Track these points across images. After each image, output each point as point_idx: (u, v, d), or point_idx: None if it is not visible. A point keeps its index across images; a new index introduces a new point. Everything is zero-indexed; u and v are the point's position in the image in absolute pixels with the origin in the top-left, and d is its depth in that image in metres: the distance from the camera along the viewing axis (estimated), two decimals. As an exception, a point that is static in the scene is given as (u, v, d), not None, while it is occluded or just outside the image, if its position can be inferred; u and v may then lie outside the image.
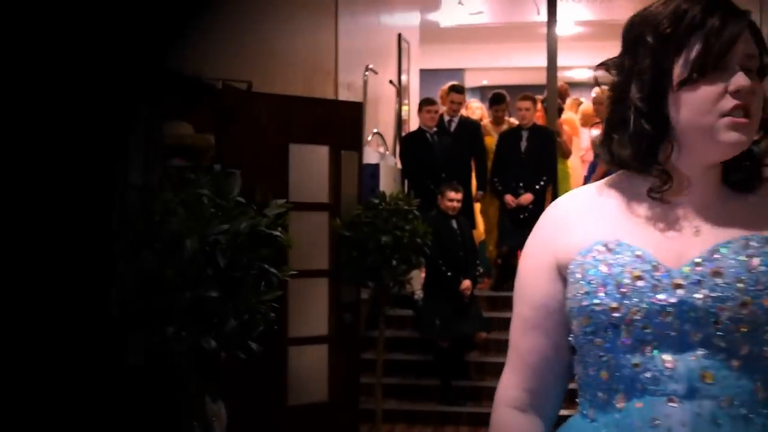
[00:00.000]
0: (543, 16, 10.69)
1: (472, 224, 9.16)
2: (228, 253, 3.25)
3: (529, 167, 9.09)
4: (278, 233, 3.43)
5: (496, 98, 10.20)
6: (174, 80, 5.38)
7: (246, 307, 3.34)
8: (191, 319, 3.26)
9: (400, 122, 10.85)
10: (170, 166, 3.88)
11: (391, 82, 10.59)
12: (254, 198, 3.57)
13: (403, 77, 11.35)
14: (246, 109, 5.89)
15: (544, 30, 10.13)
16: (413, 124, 11.39)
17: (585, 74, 16.22)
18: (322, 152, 6.31)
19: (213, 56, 5.87)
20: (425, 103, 9.33)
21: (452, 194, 8.15)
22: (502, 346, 6.86)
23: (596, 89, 9.73)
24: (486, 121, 10.42)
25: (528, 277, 1.82)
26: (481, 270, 8.78)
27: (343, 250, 6.37)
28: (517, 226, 8.92)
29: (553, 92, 9.58)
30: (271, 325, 3.46)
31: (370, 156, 8.75)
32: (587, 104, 10.52)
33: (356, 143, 6.59)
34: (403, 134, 10.53)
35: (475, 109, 10.96)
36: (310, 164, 6.28)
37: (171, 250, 3.25)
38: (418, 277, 8.21)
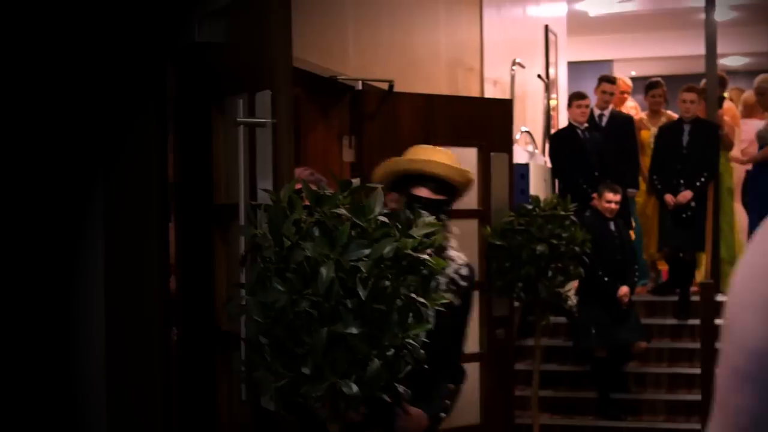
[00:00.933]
0: (697, 1, 9.96)
1: (629, 225, 8.52)
2: (370, 283, 2.75)
3: (690, 163, 8.43)
4: (426, 257, 2.92)
5: (653, 84, 9.50)
6: (312, 81, 5.05)
7: (391, 344, 2.84)
8: (328, 360, 2.78)
9: (549, 119, 10.24)
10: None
11: (539, 76, 9.99)
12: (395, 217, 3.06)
13: (551, 71, 10.76)
14: (387, 110, 5.50)
15: (696, 16, 9.47)
16: (562, 119, 10.89)
17: (739, 62, 15.32)
18: (470, 155, 5.79)
19: (352, 55, 5.51)
20: (575, 98, 8.72)
21: (610, 195, 7.61)
22: (663, 356, 6.30)
23: (759, 78, 9.03)
24: (642, 114, 9.72)
25: (741, 316, 1.22)
26: (637, 275, 8.16)
27: (495, 260, 5.86)
28: (679, 226, 8.39)
29: (713, 81, 8.83)
30: (420, 364, 2.95)
31: (519, 155, 8.23)
32: (749, 93, 9.71)
33: (506, 144, 6.04)
34: (552, 131, 9.89)
35: (630, 108, 10.21)
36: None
37: (304, 279, 2.78)
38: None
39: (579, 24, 13.11)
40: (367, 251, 2.79)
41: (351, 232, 2.82)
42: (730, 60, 14.89)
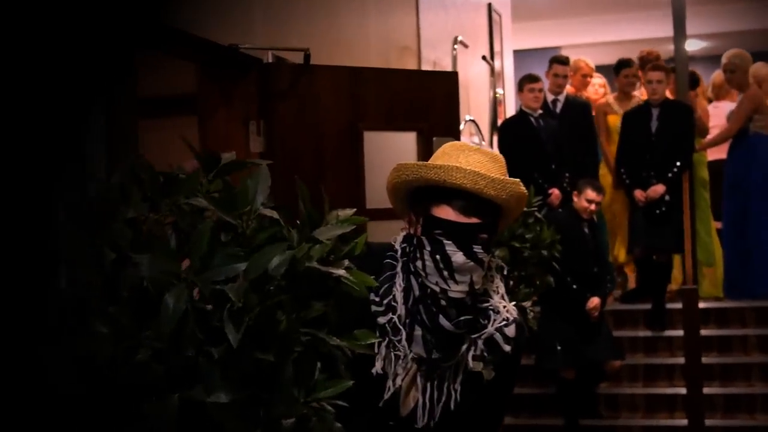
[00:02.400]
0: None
1: (600, 226, 7.63)
2: (247, 318, 1.69)
3: (660, 151, 7.55)
4: (342, 273, 1.88)
5: (624, 62, 8.65)
6: (207, 51, 4.10)
7: (286, 412, 1.78)
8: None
9: (495, 108, 9.30)
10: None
11: (484, 58, 9.07)
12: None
13: (496, 62, 9.86)
14: (303, 88, 4.55)
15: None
16: (510, 109, 10.01)
17: (697, 46, 14.56)
18: (408, 140, 4.81)
19: (259, 22, 4.62)
20: (527, 80, 7.84)
21: (593, 194, 6.76)
22: (637, 374, 5.15)
23: (726, 55, 8.24)
24: (610, 97, 8.85)
25: None
26: (610, 284, 7.27)
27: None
28: (652, 224, 7.54)
29: (684, 60, 7.97)
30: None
31: (465, 146, 7.27)
32: (717, 73, 8.91)
33: (452, 126, 5.07)
34: (501, 120, 8.96)
35: (598, 86, 9.35)
36: (392, 157, 4.78)
37: (141, 314, 1.71)
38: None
39: (524, 9, 12.31)
40: (241, 266, 1.73)
41: (216, 236, 1.77)
42: (687, 44, 14.13)
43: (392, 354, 2.29)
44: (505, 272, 2.48)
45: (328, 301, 1.91)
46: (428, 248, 2.20)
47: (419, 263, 2.23)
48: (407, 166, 2.29)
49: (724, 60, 8.31)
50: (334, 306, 1.93)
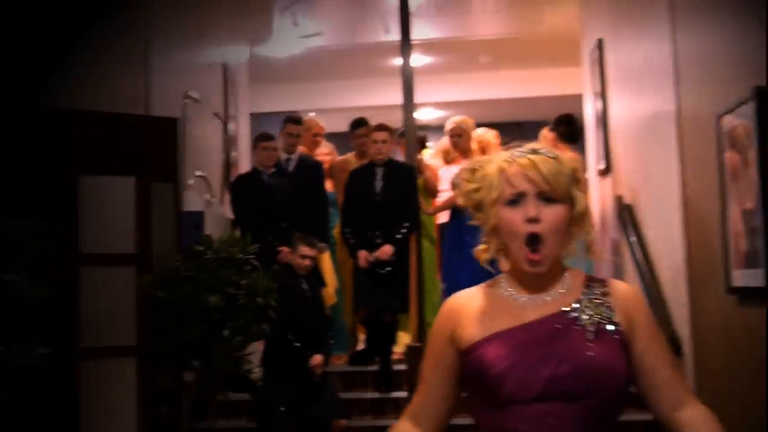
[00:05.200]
0: (393, 36, 9.88)
1: (321, 282, 7.88)
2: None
3: (385, 211, 7.90)
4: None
5: (358, 122, 9.09)
6: None
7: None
8: None
9: (228, 166, 9.49)
10: None
11: (216, 114, 9.23)
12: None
13: (230, 126, 10.06)
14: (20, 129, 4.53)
15: (393, 59, 9.15)
16: (243, 170, 10.22)
17: (433, 114, 15.37)
18: (126, 185, 4.94)
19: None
20: (262, 139, 8.18)
21: (306, 249, 7.06)
22: None
23: (452, 121, 8.85)
24: (350, 155, 9.25)
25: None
26: (333, 341, 7.53)
27: (157, 317, 5.08)
28: (378, 284, 7.82)
29: (411, 122, 8.46)
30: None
31: (194, 202, 7.40)
32: (445, 139, 9.58)
33: (171, 172, 5.24)
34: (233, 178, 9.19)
35: (324, 156, 9.69)
36: (110, 202, 4.98)
37: None
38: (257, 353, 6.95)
39: (262, 71, 12.67)
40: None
41: None
42: (422, 113, 14.86)
43: None
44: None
45: None
46: None
47: None
48: None
49: (450, 125, 8.91)
50: None
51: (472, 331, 2.45)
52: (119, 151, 4.96)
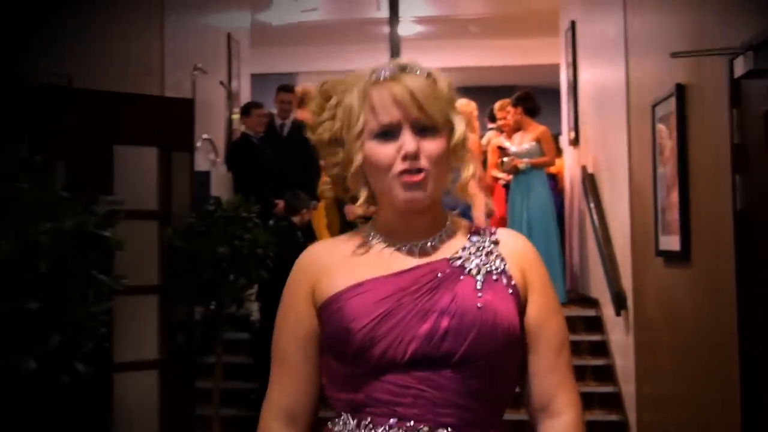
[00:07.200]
0: (383, 12, 10.60)
1: (313, 236, 8.96)
2: (51, 257, 2.93)
3: None
4: (108, 234, 3.13)
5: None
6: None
7: (72, 320, 3.02)
8: (6, 335, 2.93)
9: (231, 128, 10.55)
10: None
11: (221, 83, 10.28)
12: (79, 196, 3.25)
13: (234, 83, 11.07)
14: (65, 107, 5.55)
15: (384, 29, 10.03)
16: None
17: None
18: (150, 154, 6.00)
19: (26, 48, 5.55)
20: (252, 107, 9.18)
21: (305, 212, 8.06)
22: None
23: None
24: None
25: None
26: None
27: (175, 263, 6.04)
28: None
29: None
30: (101, 341, 3.15)
31: (201, 163, 8.47)
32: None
33: (187, 144, 6.29)
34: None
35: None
36: (138, 168, 5.99)
37: (-19, 253, 2.91)
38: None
39: (264, 35, 13.48)
40: (48, 225, 2.96)
41: (32, 206, 2.99)
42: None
43: None
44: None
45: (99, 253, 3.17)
46: None
47: None
48: None
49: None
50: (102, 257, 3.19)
51: (334, 281, 2.04)
52: (145, 126, 5.90)
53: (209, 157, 9.48)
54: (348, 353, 1.94)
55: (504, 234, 2.12)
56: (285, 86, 9.79)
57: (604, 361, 8.24)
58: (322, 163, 2.21)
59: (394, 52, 9.56)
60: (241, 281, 6.17)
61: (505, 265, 2.03)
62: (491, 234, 2.10)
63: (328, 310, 2.01)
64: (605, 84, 8.48)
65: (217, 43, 10.69)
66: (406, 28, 11.27)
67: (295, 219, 8.08)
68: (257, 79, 13.30)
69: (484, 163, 10.30)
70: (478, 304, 1.92)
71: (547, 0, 11.88)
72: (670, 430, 5.97)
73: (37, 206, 2.98)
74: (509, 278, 2.01)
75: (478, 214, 8.02)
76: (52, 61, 5.76)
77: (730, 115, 4.56)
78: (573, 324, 8.61)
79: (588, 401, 7.71)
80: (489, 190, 10.05)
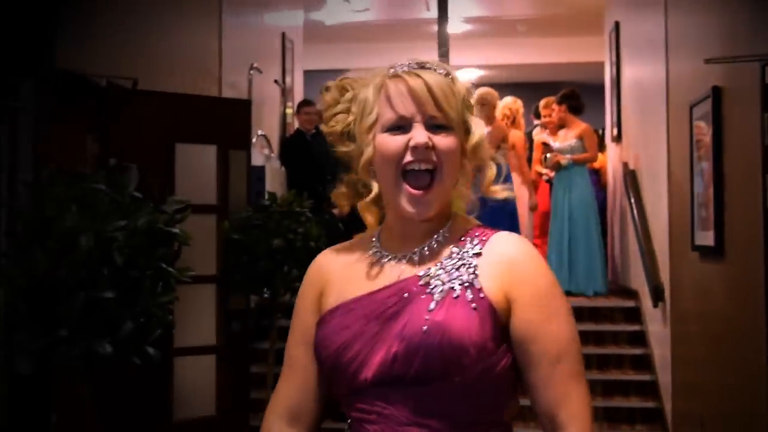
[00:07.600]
0: (433, 13, 10.79)
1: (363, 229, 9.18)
2: (125, 251, 3.24)
3: None
4: (177, 230, 3.43)
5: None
6: (57, 77, 5.34)
7: (143, 309, 3.33)
8: (85, 322, 3.24)
9: (284, 124, 10.85)
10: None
11: (276, 81, 10.57)
12: (149, 196, 3.56)
13: (287, 79, 11.35)
14: (131, 108, 5.86)
15: (433, 27, 10.23)
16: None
17: (475, 74, 16.41)
18: (209, 152, 6.30)
19: (97, 53, 5.85)
20: (303, 105, 9.48)
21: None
22: None
23: (476, 91, 9.94)
24: None
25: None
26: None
27: (232, 254, 6.34)
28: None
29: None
30: (168, 328, 3.46)
31: (256, 158, 8.74)
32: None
33: (244, 142, 6.60)
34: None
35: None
36: (197, 164, 6.28)
37: (64, 247, 3.22)
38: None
39: (317, 33, 13.75)
40: (123, 222, 3.27)
41: (108, 206, 3.30)
42: (465, 73, 15.94)
43: None
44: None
45: (167, 247, 3.47)
46: None
47: None
48: None
49: (478, 94, 9.97)
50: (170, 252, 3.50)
51: (327, 299, 2.04)
52: (205, 125, 6.20)
53: (264, 152, 9.76)
54: (326, 375, 1.99)
55: (497, 240, 1.99)
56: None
57: (642, 350, 8.42)
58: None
59: (443, 49, 9.76)
60: (294, 272, 6.44)
61: (474, 278, 1.91)
62: (482, 241, 1.98)
63: (317, 330, 2.01)
64: (646, 83, 8.63)
65: (272, 42, 10.94)
66: (454, 27, 11.48)
67: (335, 211, 8.31)
68: (310, 74, 13.46)
69: (529, 159, 10.51)
70: (424, 328, 1.84)
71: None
72: (705, 421, 6.14)
73: (112, 206, 3.28)
74: (478, 291, 1.89)
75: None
76: (117, 65, 6.02)
77: (762, 118, 4.70)
78: (613, 315, 8.93)
79: (625, 389, 7.99)
80: (533, 185, 10.26)
